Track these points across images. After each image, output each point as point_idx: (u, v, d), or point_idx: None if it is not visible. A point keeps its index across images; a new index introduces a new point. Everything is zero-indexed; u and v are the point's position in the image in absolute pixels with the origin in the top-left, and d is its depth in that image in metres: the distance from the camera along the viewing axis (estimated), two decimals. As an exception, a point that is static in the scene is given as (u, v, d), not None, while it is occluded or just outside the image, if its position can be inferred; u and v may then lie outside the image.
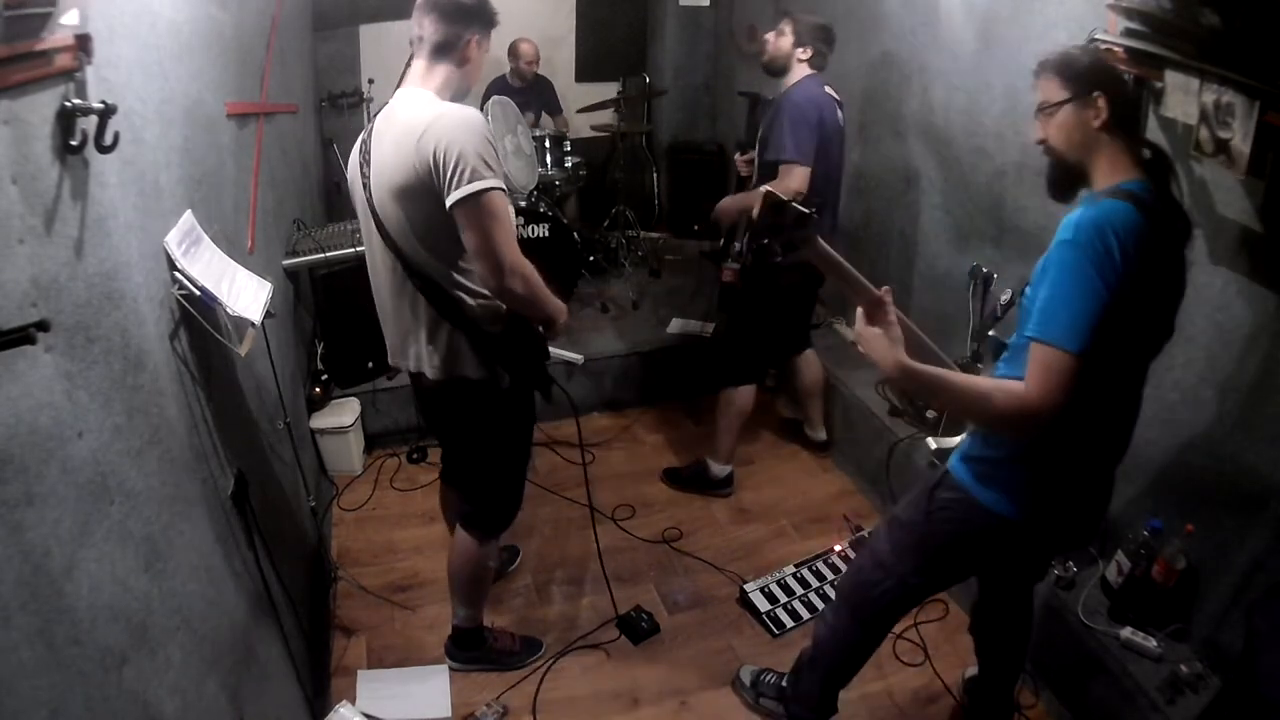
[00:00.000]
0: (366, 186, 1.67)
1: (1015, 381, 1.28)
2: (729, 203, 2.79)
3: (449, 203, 1.53)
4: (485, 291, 1.67)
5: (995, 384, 1.31)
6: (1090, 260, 1.22)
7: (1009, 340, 1.47)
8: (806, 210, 1.40)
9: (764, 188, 1.48)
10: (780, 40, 2.56)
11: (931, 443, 2.64)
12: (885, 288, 1.47)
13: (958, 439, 1.67)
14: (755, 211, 1.45)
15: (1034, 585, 1.87)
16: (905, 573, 1.65)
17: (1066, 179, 1.42)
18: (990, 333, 2.44)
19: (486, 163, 1.53)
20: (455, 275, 1.67)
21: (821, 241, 1.47)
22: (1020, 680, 2.10)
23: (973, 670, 2.11)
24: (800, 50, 2.53)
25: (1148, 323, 1.36)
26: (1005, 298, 2.40)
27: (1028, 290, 1.37)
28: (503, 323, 1.73)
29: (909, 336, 1.47)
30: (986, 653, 1.98)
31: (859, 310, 1.47)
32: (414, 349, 1.77)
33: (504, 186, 1.56)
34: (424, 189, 1.55)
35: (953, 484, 1.55)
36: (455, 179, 1.51)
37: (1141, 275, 1.25)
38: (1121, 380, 1.40)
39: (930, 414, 2.73)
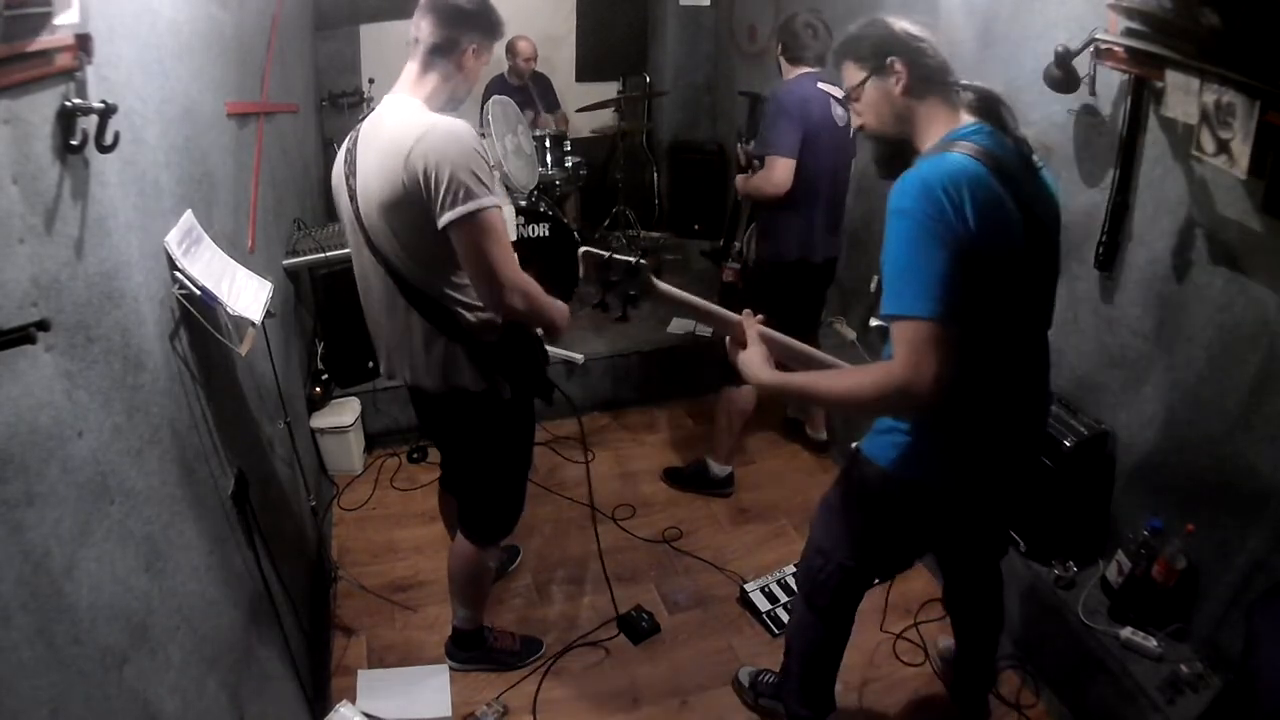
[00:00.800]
0: (354, 198, 1.60)
1: (882, 364, 1.25)
2: (742, 183, 2.82)
3: (441, 223, 1.47)
4: (481, 304, 1.62)
5: (863, 372, 1.28)
6: (921, 224, 1.18)
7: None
8: (632, 260, 1.41)
9: (582, 249, 1.47)
10: (771, 44, 2.72)
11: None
12: (746, 311, 1.49)
13: None
14: (581, 271, 1.47)
15: (997, 560, 1.85)
16: (841, 557, 1.65)
17: (895, 155, 1.40)
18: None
19: (479, 179, 1.46)
20: (449, 290, 1.61)
21: (661, 284, 1.48)
22: (1021, 680, 2.10)
23: (946, 641, 2.13)
24: (777, 49, 2.62)
25: (1025, 266, 1.30)
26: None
27: None
28: (499, 333, 1.68)
29: (788, 350, 1.49)
30: (962, 628, 1.99)
31: (726, 340, 1.49)
32: (410, 361, 1.71)
33: (498, 203, 1.51)
34: (413, 205, 1.49)
35: (866, 460, 1.54)
36: (448, 199, 1.45)
37: (992, 221, 1.20)
38: (1014, 332, 1.36)
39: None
